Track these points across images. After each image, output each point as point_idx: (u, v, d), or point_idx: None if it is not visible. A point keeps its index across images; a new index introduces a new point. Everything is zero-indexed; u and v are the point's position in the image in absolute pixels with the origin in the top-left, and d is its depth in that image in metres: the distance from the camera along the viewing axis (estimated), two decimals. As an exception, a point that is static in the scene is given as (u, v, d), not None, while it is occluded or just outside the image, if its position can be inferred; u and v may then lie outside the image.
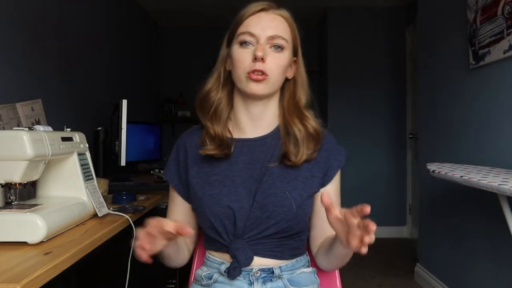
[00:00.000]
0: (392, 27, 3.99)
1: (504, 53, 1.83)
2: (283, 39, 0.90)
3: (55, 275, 0.88)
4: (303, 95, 0.97)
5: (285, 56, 0.91)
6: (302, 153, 0.91)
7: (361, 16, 3.99)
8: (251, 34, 0.88)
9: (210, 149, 0.92)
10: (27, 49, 1.93)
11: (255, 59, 0.87)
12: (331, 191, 0.97)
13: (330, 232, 0.96)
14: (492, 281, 1.97)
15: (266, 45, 0.88)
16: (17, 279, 0.78)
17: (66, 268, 0.94)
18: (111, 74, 3.06)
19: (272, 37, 0.89)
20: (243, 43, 0.89)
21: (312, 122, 0.95)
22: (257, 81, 0.88)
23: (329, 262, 0.96)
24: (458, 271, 2.29)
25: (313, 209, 0.97)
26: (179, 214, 1.01)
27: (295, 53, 0.96)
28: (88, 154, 1.42)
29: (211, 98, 0.95)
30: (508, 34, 1.79)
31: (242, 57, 0.89)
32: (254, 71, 0.87)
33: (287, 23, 0.92)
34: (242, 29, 0.90)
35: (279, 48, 0.90)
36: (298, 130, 0.93)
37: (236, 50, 0.90)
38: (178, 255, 0.97)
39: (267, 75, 0.88)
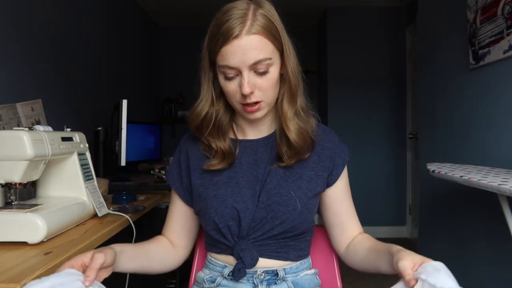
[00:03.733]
0: (392, 27, 3.99)
1: (504, 53, 1.82)
2: (266, 59, 0.83)
3: (55, 275, 0.88)
4: (290, 97, 0.92)
5: (273, 72, 0.86)
6: (294, 154, 0.91)
7: (361, 16, 3.99)
8: (231, 68, 0.83)
9: (215, 164, 0.92)
10: (27, 49, 1.93)
11: (243, 94, 0.84)
12: (340, 189, 0.97)
13: (351, 228, 0.98)
14: (492, 281, 1.97)
15: (250, 71, 0.83)
16: (17, 279, 0.78)
17: (66, 268, 0.94)
18: (111, 74, 3.06)
19: (254, 65, 0.82)
20: (226, 78, 0.85)
21: (293, 131, 0.90)
22: (252, 111, 0.88)
23: (365, 268, 0.93)
24: (458, 271, 2.28)
25: (325, 208, 0.98)
26: (178, 216, 1.01)
27: (282, 51, 0.88)
28: (88, 154, 1.42)
29: (208, 115, 0.92)
30: (508, 34, 1.79)
31: (231, 89, 0.86)
32: (246, 105, 0.87)
33: (264, 36, 0.82)
34: (220, 60, 0.84)
35: (264, 70, 0.84)
36: (288, 131, 0.91)
37: (223, 82, 0.87)
38: (153, 264, 0.95)
39: (261, 101, 0.87)
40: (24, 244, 1.02)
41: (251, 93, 0.84)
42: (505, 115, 1.87)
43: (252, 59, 0.81)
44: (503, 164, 1.84)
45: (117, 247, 0.84)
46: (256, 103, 0.86)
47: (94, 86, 2.74)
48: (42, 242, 1.03)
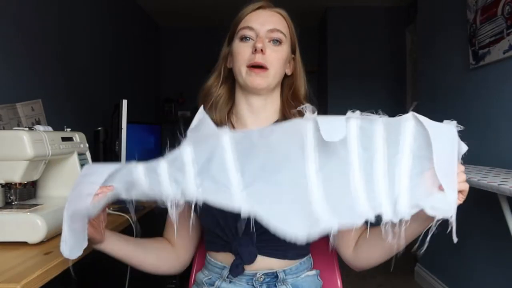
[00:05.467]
0: (392, 27, 3.99)
1: (504, 53, 1.83)
2: (282, 32, 0.92)
3: (55, 275, 0.88)
4: (301, 86, 0.99)
5: (284, 49, 0.93)
6: None
7: (361, 16, 3.99)
8: (251, 28, 0.91)
9: None
10: (27, 49, 1.93)
11: (255, 51, 0.89)
12: None
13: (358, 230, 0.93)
14: (492, 281, 1.97)
15: (265, 38, 0.91)
16: (17, 279, 0.78)
17: (66, 268, 0.94)
18: (111, 74, 3.07)
19: (271, 31, 0.91)
20: (243, 38, 0.92)
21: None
22: (257, 74, 0.89)
23: (377, 255, 0.87)
24: (458, 271, 2.29)
25: None
26: (180, 216, 1.00)
27: (293, 51, 0.98)
28: (88, 154, 1.42)
29: (212, 94, 0.99)
30: (508, 34, 1.79)
31: (242, 50, 0.91)
32: (254, 64, 0.89)
33: (284, 20, 0.96)
34: (242, 25, 0.93)
35: (278, 42, 0.92)
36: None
37: (237, 45, 0.93)
38: (148, 255, 0.94)
39: (267, 68, 0.90)
40: (24, 244, 1.01)
41: (262, 51, 0.89)
42: (505, 115, 1.87)
43: (271, 25, 0.92)
44: (503, 164, 1.84)
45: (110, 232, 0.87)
46: (263, 67, 0.90)
47: (94, 86, 2.74)
48: (42, 242, 1.03)
